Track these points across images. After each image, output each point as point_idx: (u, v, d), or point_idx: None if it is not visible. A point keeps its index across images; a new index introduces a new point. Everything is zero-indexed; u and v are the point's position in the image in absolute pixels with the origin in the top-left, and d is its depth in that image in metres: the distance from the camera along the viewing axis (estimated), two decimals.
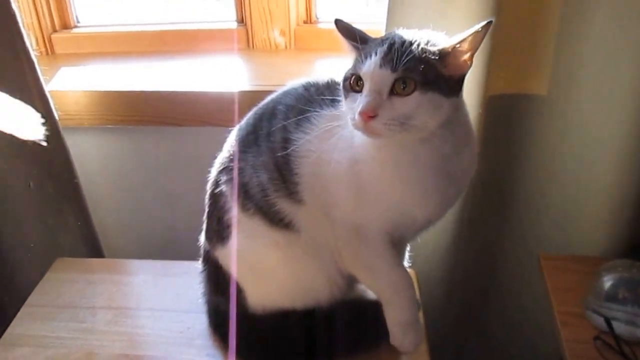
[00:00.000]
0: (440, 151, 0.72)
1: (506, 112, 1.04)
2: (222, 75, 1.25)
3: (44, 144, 1.06)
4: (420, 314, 0.89)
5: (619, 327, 0.82)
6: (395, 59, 0.66)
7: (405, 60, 0.66)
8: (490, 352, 1.27)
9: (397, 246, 0.80)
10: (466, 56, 0.68)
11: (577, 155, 1.01)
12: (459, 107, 0.73)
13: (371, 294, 0.85)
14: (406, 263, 0.91)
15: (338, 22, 0.74)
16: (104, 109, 1.18)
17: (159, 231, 1.31)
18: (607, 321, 0.83)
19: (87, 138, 1.23)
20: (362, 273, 0.81)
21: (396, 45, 0.67)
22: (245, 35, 1.31)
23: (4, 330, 0.91)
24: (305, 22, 1.32)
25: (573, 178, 1.02)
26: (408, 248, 0.91)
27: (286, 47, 1.31)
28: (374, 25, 1.18)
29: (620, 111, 0.93)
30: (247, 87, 1.17)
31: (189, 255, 0.98)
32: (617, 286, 0.85)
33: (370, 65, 0.67)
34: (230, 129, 0.88)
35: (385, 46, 0.67)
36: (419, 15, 0.94)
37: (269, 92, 0.87)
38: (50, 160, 1.13)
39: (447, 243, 1.08)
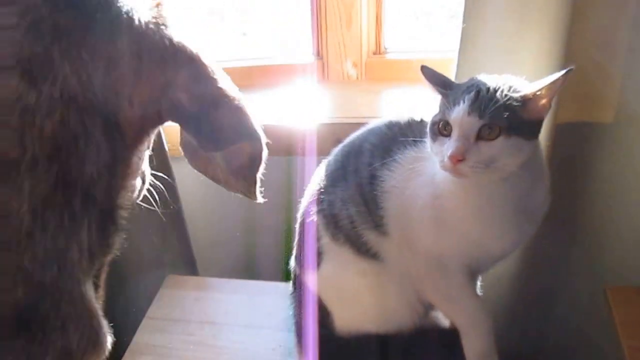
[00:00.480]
0: (518, 189, 0.78)
1: (572, 140, 1.08)
2: (302, 106, 1.34)
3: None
4: None
5: None
6: (482, 106, 0.72)
7: (492, 108, 0.71)
8: None
9: (473, 277, 0.87)
10: (545, 101, 0.74)
11: None
12: (536, 148, 0.79)
13: (447, 321, 0.93)
14: (478, 292, 0.97)
15: (424, 69, 0.80)
16: None
17: (248, 252, 1.41)
18: None
19: (188, 167, 1.35)
20: (441, 302, 0.88)
21: (482, 93, 0.73)
22: (322, 68, 1.41)
23: (119, 334, 1.03)
24: (374, 54, 1.40)
25: (639, 209, 1.05)
26: (480, 278, 0.97)
27: (357, 77, 1.40)
28: (438, 53, 1.26)
29: None
30: (325, 119, 1.26)
31: (267, 275, 1.08)
32: None
33: (459, 112, 0.73)
34: (310, 158, 0.97)
35: (472, 94, 0.73)
36: (490, 51, 0.99)
37: (346, 125, 0.94)
38: (159, 187, 1.26)
39: (512, 271, 1.13)
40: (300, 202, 0.99)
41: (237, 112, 0.63)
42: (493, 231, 0.81)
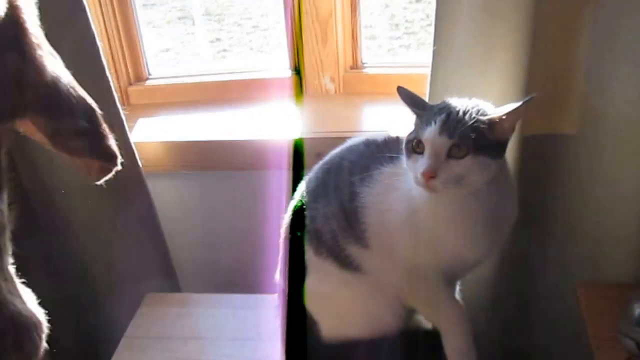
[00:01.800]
0: (488, 203, 0.84)
1: (539, 151, 1.14)
2: (280, 121, 1.38)
3: None
4: None
5: None
6: (452, 127, 0.78)
7: (461, 129, 0.78)
8: None
9: (451, 283, 0.92)
10: (509, 124, 0.80)
11: (607, 190, 1.10)
12: (503, 165, 0.86)
13: (429, 323, 0.98)
14: (458, 296, 1.02)
15: (400, 90, 0.86)
16: (178, 157, 1.33)
17: (230, 266, 1.44)
18: (638, 345, 0.93)
19: (165, 182, 1.38)
20: (422, 307, 0.94)
21: (452, 116, 0.79)
22: (299, 83, 1.45)
23: (98, 356, 1.05)
24: (352, 68, 1.45)
25: (605, 210, 1.11)
26: (458, 283, 1.01)
27: (335, 92, 1.44)
28: (415, 68, 1.31)
29: None
30: (303, 133, 1.30)
31: (255, 287, 1.11)
32: None
33: (431, 132, 0.79)
34: (289, 172, 1.00)
35: (443, 116, 0.80)
36: (460, 72, 1.05)
37: (325, 139, 1.01)
38: (134, 203, 1.28)
39: (488, 274, 1.19)
40: (281, 215, 1.02)
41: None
42: (466, 241, 0.86)
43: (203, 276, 1.46)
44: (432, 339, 0.93)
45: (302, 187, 0.99)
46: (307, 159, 1.27)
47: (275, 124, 1.38)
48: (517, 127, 1.04)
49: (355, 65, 1.45)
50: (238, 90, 1.48)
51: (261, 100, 1.46)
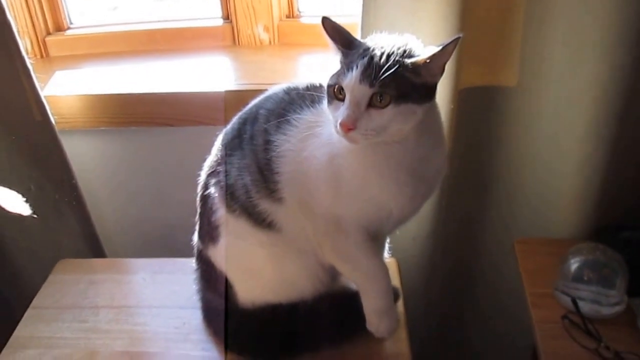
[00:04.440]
0: (413, 152, 0.77)
1: (478, 103, 1.08)
2: (211, 73, 1.29)
3: None
4: (401, 302, 0.95)
5: (585, 307, 0.88)
6: (373, 74, 0.70)
7: (382, 77, 0.70)
8: (470, 336, 1.33)
9: (375, 239, 0.85)
10: (436, 67, 0.73)
11: (547, 143, 1.05)
12: (432, 110, 0.78)
13: (353, 285, 0.91)
14: (386, 254, 0.96)
15: (325, 21, 0.76)
16: (98, 112, 1.22)
17: (156, 228, 1.35)
18: (574, 301, 0.88)
19: (83, 140, 1.28)
20: (340, 263, 0.86)
21: (374, 60, 0.71)
22: (231, 32, 1.35)
23: (12, 333, 0.96)
24: (287, 17, 1.35)
25: (544, 164, 1.07)
26: (387, 240, 0.96)
27: (270, 42, 1.35)
28: (352, 18, 1.22)
29: (585, 99, 0.98)
30: (235, 86, 1.21)
31: (186, 250, 1.04)
32: (582, 268, 0.90)
33: (351, 79, 0.71)
34: (220, 127, 0.93)
35: (365, 60, 0.71)
36: (391, 14, 0.97)
37: (256, 91, 0.91)
38: (48, 163, 1.18)
39: (426, 230, 1.13)
40: None
41: None
42: (389, 191, 0.79)
43: (130, 240, 1.38)
44: (356, 300, 0.87)
45: (218, 140, 0.91)
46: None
47: (206, 76, 1.28)
48: (453, 79, 1.00)
49: (291, 14, 1.35)
50: (166, 40, 1.37)
51: (191, 51, 1.36)
